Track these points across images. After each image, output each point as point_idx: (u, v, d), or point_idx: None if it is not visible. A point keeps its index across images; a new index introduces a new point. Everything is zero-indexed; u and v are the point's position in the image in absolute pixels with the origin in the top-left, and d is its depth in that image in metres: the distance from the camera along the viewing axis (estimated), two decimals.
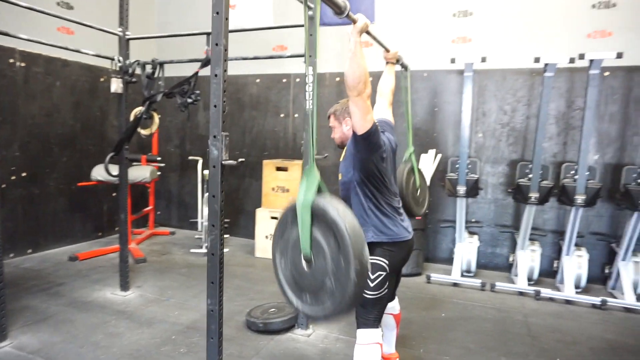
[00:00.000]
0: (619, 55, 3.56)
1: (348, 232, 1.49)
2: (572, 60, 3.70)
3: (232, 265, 4.64)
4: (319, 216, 1.57)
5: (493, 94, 4.66)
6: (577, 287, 4.04)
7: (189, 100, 3.31)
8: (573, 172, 3.91)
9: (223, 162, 2.03)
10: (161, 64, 3.50)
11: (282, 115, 5.54)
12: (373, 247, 2.21)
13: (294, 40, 5.30)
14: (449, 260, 4.70)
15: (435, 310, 3.61)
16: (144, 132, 3.67)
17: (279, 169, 5.00)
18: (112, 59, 3.53)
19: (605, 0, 4.23)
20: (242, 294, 3.85)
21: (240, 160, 2.16)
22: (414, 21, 4.87)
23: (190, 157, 5.59)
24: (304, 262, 1.62)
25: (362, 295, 1.65)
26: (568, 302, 3.88)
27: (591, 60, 3.65)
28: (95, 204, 5.41)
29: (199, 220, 5.27)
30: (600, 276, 4.30)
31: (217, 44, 1.96)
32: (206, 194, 4.93)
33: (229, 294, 3.82)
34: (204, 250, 4.96)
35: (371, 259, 2.18)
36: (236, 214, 5.73)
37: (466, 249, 4.46)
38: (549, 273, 4.41)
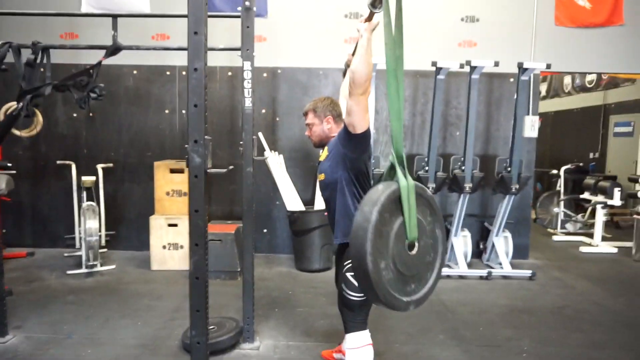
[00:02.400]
0: (496, 64, 4.18)
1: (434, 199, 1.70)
2: (462, 66, 4.20)
3: (129, 284, 4.05)
4: (418, 195, 1.66)
5: (383, 93, 4.99)
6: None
7: (93, 96, 2.76)
8: (460, 163, 4.46)
9: (208, 170, 1.74)
10: (46, 49, 2.83)
11: (167, 112, 5.02)
12: None
13: (178, 29, 4.84)
14: None
15: None
16: (23, 133, 2.93)
17: (173, 170, 4.52)
18: None
19: (471, 15, 4.90)
20: (158, 314, 3.40)
21: (230, 167, 1.89)
22: (307, 21, 4.90)
23: (60, 162, 4.64)
24: (407, 250, 1.64)
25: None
26: (461, 277, 4.44)
27: (474, 67, 4.19)
28: None
29: (77, 235, 4.45)
30: (476, 251, 5.02)
31: (196, 33, 1.68)
32: (85, 204, 4.19)
33: (142, 317, 3.34)
34: (84, 270, 4.21)
35: None
36: (116, 224, 5.00)
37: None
38: (476, 254, 4.95)
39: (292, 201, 4.70)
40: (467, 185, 4.36)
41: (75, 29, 4.82)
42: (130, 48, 2.68)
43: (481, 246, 5.01)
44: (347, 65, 2.74)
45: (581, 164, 7.09)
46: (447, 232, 4.86)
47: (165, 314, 3.40)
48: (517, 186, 4.38)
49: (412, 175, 4.54)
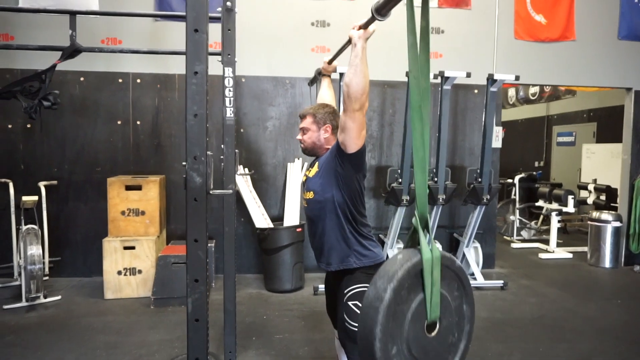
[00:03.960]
0: (468, 75, 4.20)
1: (463, 272, 1.29)
2: (435, 77, 4.17)
3: (81, 317, 3.57)
4: (445, 268, 1.29)
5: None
6: None
7: (46, 104, 2.37)
8: (432, 174, 4.41)
9: (211, 192, 1.48)
10: None
11: (119, 123, 4.57)
12: (355, 273, 2.00)
13: (131, 32, 4.46)
14: (316, 269, 4.73)
15: None
16: None
17: (129, 187, 4.10)
18: None
19: (437, 26, 4.93)
20: (121, 353, 2.98)
21: (232, 187, 1.63)
22: (273, 28, 4.69)
23: None
24: (426, 331, 1.31)
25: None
26: None
27: (446, 77, 4.18)
28: None
29: (15, 263, 3.88)
30: None
31: (196, 30, 1.43)
32: (25, 227, 3.67)
33: (102, 357, 2.92)
34: (25, 303, 3.67)
35: (359, 287, 1.97)
36: (60, 248, 4.45)
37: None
38: None
39: (260, 218, 4.42)
40: (441, 197, 4.31)
41: (10, 29, 4.28)
42: (92, 50, 2.33)
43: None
44: (319, 73, 2.56)
45: (534, 173, 7.38)
46: (457, 243, 4.80)
47: (129, 352, 2.99)
48: (488, 197, 4.40)
49: (386, 187, 4.48)
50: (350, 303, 1.95)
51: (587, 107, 7.87)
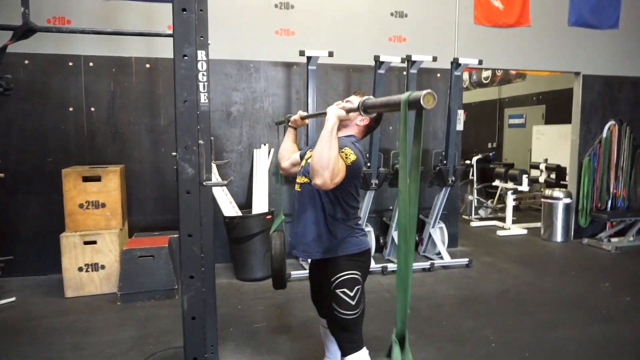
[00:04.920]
0: (434, 59, 4.25)
1: None
2: (403, 61, 4.18)
3: (41, 318, 3.35)
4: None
5: (317, 88, 4.80)
6: None
7: None
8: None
9: (205, 183, 1.40)
10: None
11: (71, 109, 4.26)
12: (344, 260, 1.99)
13: (79, 11, 4.15)
14: (286, 255, 4.72)
15: None
16: None
17: (87, 179, 3.85)
18: None
19: (400, 10, 4.93)
20: (90, 354, 2.83)
21: (230, 179, 1.55)
22: (235, 10, 4.51)
23: None
24: None
25: None
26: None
27: (413, 61, 4.21)
28: None
29: None
30: None
31: (184, 10, 1.33)
32: None
33: (71, 358, 2.76)
34: None
35: (346, 274, 1.96)
36: (10, 246, 4.13)
37: None
38: (377, 249, 4.96)
39: (228, 206, 4.31)
40: (451, 179, 4.42)
41: None
42: (49, 30, 2.12)
43: (417, 238, 5.11)
44: (287, 121, 2.42)
45: (490, 154, 7.67)
46: (387, 228, 4.88)
47: (99, 352, 2.85)
48: (453, 178, 4.52)
49: None
50: (338, 291, 1.94)
51: (537, 91, 8.25)
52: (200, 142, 1.38)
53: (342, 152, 1.84)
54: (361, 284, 2.00)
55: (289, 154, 2.28)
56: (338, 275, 1.96)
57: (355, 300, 1.95)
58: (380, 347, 2.72)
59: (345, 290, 1.94)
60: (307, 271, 4.22)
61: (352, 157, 1.84)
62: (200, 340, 1.43)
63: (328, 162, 1.69)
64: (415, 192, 1.16)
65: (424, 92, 1.07)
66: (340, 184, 1.84)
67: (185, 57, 1.31)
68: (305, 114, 2.25)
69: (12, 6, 3.60)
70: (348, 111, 1.76)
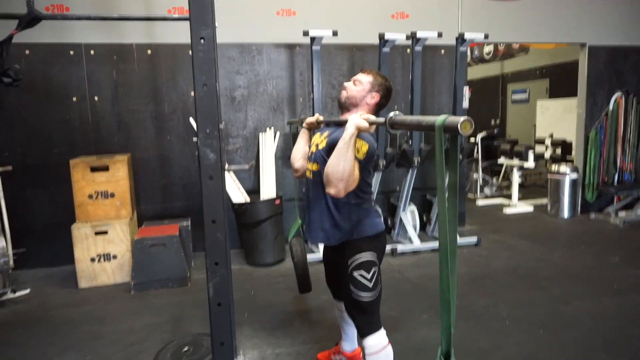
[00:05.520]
0: (440, 35, 4.19)
1: None
2: (408, 38, 4.11)
3: (56, 309, 3.38)
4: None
5: (322, 69, 4.74)
6: None
7: (6, 80, 2.12)
8: (406, 137, 4.42)
9: (227, 169, 1.38)
10: None
11: (74, 99, 4.21)
12: (360, 243, 1.99)
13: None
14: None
15: None
16: None
17: (95, 169, 3.83)
18: None
19: None
20: (108, 342, 2.85)
21: (252, 163, 1.53)
22: None
23: None
24: None
25: None
26: (415, 252, 4.46)
27: (418, 39, 4.14)
28: None
29: None
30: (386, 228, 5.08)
31: None
32: None
33: (89, 347, 2.79)
34: None
35: (363, 256, 1.97)
36: (21, 238, 4.13)
37: None
38: (386, 230, 4.94)
39: (236, 192, 4.29)
40: (416, 159, 4.36)
41: None
42: (55, 18, 2.08)
43: (424, 218, 5.12)
44: (301, 122, 2.37)
45: (494, 131, 7.62)
46: (394, 209, 4.87)
47: (117, 340, 2.87)
48: (460, 156, 4.49)
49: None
50: (355, 273, 1.94)
51: (540, 64, 8.15)
52: (221, 126, 1.36)
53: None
54: (378, 265, 2.01)
55: (302, 155, 2.22)
56: (355, 258, 1.96)
57: (372, 282, 1.95)
58: (394, 326, 2.75)
59: (362, 272, 1.95)
60: (317, 255, 4.25)
61: (365, 148, 1.82)
62: (227, 326, 1.43)
63: (343, 174, 1.69)
64: (454, 217, 1.12)
65: (462, 118, 1.01)
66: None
67: (203, 40, 1.28)
68: (322, 118, 2.20)
69: None
70: (372, 124, 1.71)
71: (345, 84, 2.04)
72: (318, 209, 2.02)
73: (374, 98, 1.98)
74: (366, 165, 1.88)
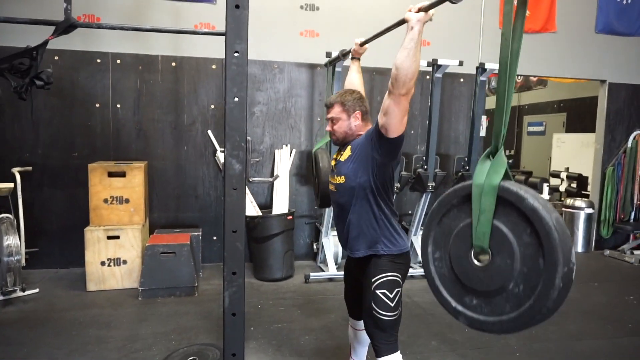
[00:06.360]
0: (461, 63, 4.22)
1: (556, 227, 1.20)
2: (429, 65, 4.17)
3: (64, 310, 3.39)
4: (509, 204, 1.27)
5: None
6: None
7: (39, 83, 2.19)
8: (421, 162, 4.43)
9: (251, 180, 1.40)
10: None
11: (97, 106, 4.31)
12: (383, 260, 2.00)
13: (107, 8, 4.20)
14: (304, 256, 4.78)
15: (340, 311, 3.54)
16: None
17: (112, 174, 3.89)
18: None
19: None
20: (113, 347, 2.85)
21: (276, 175, 1.55)
22: (261, 10, 4.52)
23: None
24: (473, 257, 1.34)
25: (560, 305, 1.38)
26: (424, 276, 4.41)
27: (439, 65, 4.18)
28: None
29: None
30: None
31: (237, 6, 1.33)
32: (0, 216, 3.42)
33: (94, 351, 2.79)
34: (0, 297, 3.44)
35: (387, 276, 1.96)
36: (35, 238, 4.18)
37: (332, 243, 4.51)
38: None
39: (249, 206, 4.32)
40: (431, 184, 4.35)
41: None
42: (89, 26, 2.15)
43: None
44: (343, 55, 2.49)
45: (509, 161, 7.58)
46: (406, 231, 4.84)
47: (122, 345, 2.86)
48: None
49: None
50: (378, 292, 1.93)
51: (558, 98, 8.15)
52: (248, 138, 1.38)
53: None
54: (401, 286, 2.00)
55: (353, 84, 2.32)
56: (380, 276, 1.95)
57: (394, 302, 1.94)
58: (402, 350, 2.69)
59: (385, 291, 1.94)
60: (327, 273, 4.23)
61: None
62: (240, 337, 1.43)
63: (414, 73, 1.65)
64: (521, 24, 1.31)
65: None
66: (382, 166, 1.88)
67: (237, 54, 1.31)
68: (362, 39, 2.26)
69: (50, 2, 3.67)
70: (428, 9, 1.65)
71: (328, 129, 2.07)
72: (344, 222, 2.04)
73: (357, 118, 2.01)
74: (397, 148, 1.87)
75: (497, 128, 1.32)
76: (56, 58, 4.18)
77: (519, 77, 8.56)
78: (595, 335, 3.24)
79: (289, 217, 4.24)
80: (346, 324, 2.44)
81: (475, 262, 1.37)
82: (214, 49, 4.36)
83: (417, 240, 4.65)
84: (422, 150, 4.84)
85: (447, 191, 1.44)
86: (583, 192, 6.41)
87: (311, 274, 4.20)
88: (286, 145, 4.67)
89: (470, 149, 4.49)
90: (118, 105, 4.36)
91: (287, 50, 4.63)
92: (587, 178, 6.38)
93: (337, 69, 4.09)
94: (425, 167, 4.37)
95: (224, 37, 1.34)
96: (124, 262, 3.84)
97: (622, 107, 5.61)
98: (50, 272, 4.20)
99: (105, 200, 3.86)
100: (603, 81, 5.58)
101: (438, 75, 4.26)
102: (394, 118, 1.74)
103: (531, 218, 1.25)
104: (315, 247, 4.70)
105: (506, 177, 1.32)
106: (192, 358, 2.55)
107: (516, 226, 1.30)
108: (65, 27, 2.15)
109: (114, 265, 3.82)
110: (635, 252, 5.41)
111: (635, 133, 5.59)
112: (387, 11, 4.80)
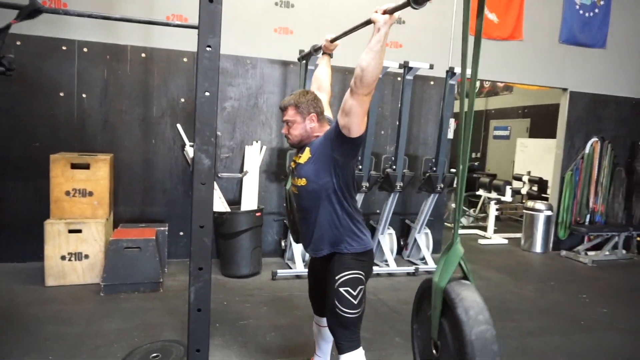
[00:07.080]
0: (431, 66, 4.32)
1: (473, 342, 1.31)
2: (400, 67, 4.24)
3: (21, 306, 3.27)
4: (448, 307, 1.44)
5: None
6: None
7: (0, 69, 2.09)
8: (390, 162, 4.51)
9: (220, 175, 1.40)
10: None
11: (62, 95, 4.16)
12: (347, 258, 2.02)
13: None
14: (272, 253, 4.78)
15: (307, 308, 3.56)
16: None
17: (75, 166, 3.77)
18: None
19: (397, 17, 4.97)
20: (74, 344, 2.77)
21: (245, 172, 1.55)
22: (235, 5, 4.48)
23: None
24: (432, 345, 1.54)
25: None
26: (391, 274, 4.51)
27: (410, 68, 4.26)
28: None
29: None
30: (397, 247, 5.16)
31: (211, 0, 1.32)
32: None
33: (53, 349, 2.70)
34: None
35: (351, 274, 1.99)
36: None
37: None
38: None
39: (217, 202, 4.27)
40: (399, 184, 4.43)
41: None
42: (56, 12, 2.08)
43: (401, 243, 5.17)
44: (315, 50, 2.51)
45: (475, 164, 7.81)
46: (373, 230, 4.91)
47: (84, 343, 2.79)
48: (442, 185, 4.59)
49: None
50: (341, 289, 1.95)
51: (522, 104, 8.44)
52: (218, 133, 1.38)
53: None
54: (364, 284, 2.03)
55: (320, 78, 2.39)
56: (343, 274, 1.97)
57: (357, 300, 1.97)
58: (366, 347, 2.74)
59: (348, 289, 1.96)
60: (294, 270, 4.25)
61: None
62: (205, 333, 1.43)
63: (378, 73, 1.68)
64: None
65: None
66: (343, 165, 1.92)
67: (209, 48, 1.31)
68: (333, 36, 2.28)
69: None
70: (393, 12, 1.66)
71: (284, 131, 2.07)
72: (306, 223, 2.05)
73: (312, 120, 2.01)
74: (358, 146, 1.90)
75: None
76: (18, 43, 4.01)
77: (487, 82, 8.82)
78: (550, 332, 3.38)
79: (257, 214, 4.23)
80: (312, 320, 2.46)
81: (433, 350, 1.56)
82: (186, 41, 4.30)
83: (383, 239, 4.73)
84: (392, 151, 4.92)
85: (427, 277, 1.67)
86: (543, 195, 6.67)
87: (278, 271, 4.21)
88: (257, 142, 4.65)
89: (438, 151, 4.60)
90: (84, 95, 4.22)
91: (261, 47, 4.61)
92: (547, 182, 6.65)
93: (309, 67, 4.09)
94: (394, 167, 4.45)
95: (196, 30, 1.33)
96: (86, 256, 3.73)
97: (582, 115, 5.87)
98: (6, 266, 4.03)
99: (67, 193, 3.74)
100: (565, 89, 5.82)
101: (409, 77, 4.34)
102: (357, 117, 1.76)
103: (457, 327, 1.38)
104: (283, 244, 4.71)
105: (462, 269, 1.55)
106: (155, 354, 2.51)
107: (453, 328, 1.44)
108: (30, 11, 2.06)
109: (75, 259, 3.71)
110: (589, 253, 5.68)
111: (592, 140, 5.86)
112: (362, 11, 4.84)
